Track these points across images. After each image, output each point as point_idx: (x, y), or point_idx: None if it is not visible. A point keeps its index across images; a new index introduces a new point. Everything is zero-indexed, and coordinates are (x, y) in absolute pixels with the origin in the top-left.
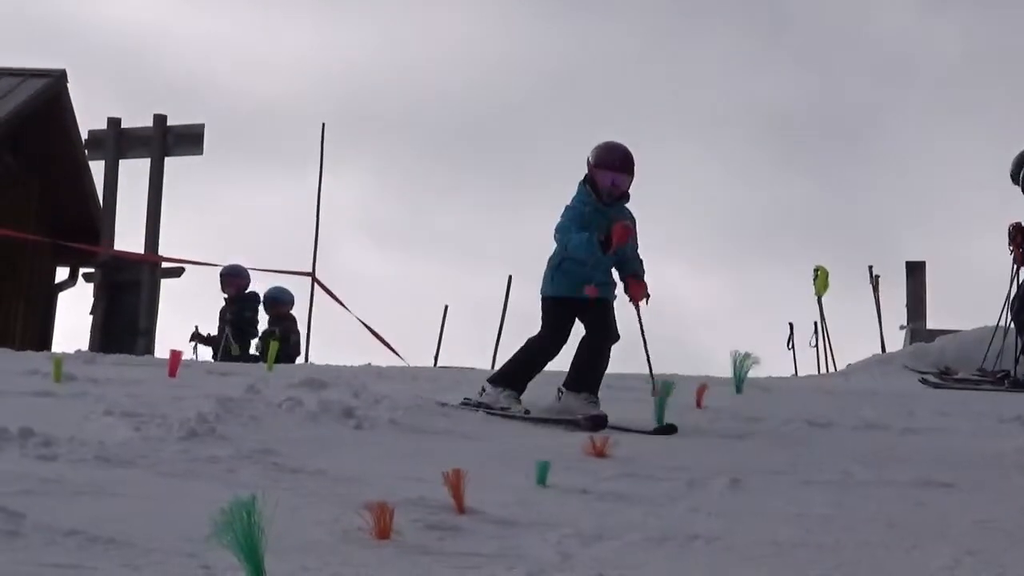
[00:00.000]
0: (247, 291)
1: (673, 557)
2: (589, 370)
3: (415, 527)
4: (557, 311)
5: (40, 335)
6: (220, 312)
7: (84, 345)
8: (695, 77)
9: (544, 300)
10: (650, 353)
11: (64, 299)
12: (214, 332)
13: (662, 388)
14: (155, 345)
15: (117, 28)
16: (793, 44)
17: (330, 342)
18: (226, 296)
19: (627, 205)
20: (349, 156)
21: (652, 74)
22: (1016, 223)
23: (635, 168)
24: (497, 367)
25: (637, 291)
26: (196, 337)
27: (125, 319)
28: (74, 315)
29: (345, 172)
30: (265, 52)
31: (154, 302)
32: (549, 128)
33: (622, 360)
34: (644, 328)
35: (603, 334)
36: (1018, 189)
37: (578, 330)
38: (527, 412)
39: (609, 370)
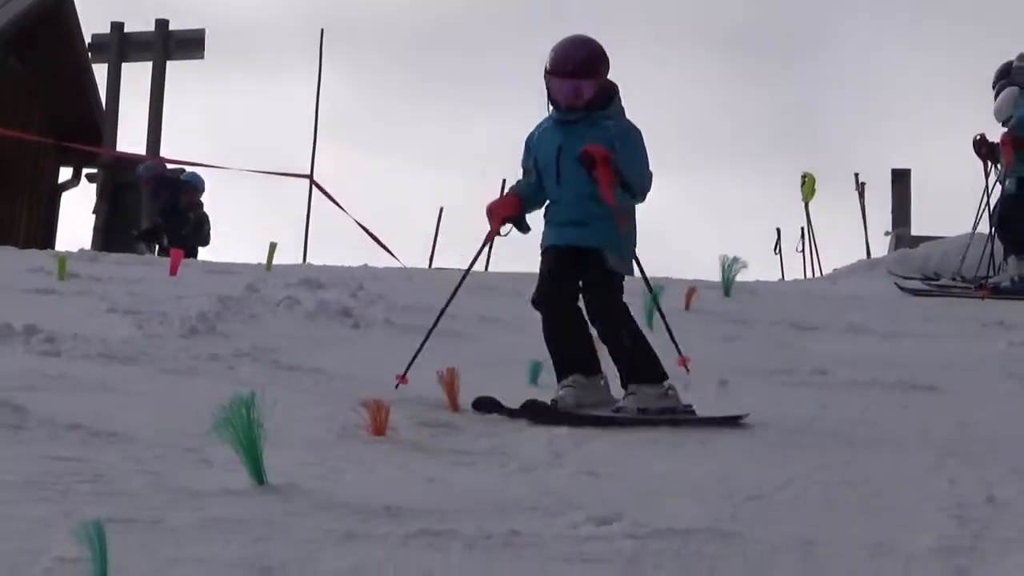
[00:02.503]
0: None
1: (661, 457)
2: (619, 360)
3: (410, 424)
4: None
5: (44, 234)
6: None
7: (87, 244)
8: None
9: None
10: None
11: (67, 199)
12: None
13: (652, 295)
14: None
15: None
16: None
17: (327, 244)
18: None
19: (611, 116)
20: (336, 64)
21: None
22: (980, 135)
23: (602, 67)
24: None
25: (592, 149)
26: (142, 237)
27: (127, 219)
28: (77, 215)
29: (330, 78)
30: None
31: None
32: (531, 28)
33: None
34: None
35: (601, 315)
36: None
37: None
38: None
39: None
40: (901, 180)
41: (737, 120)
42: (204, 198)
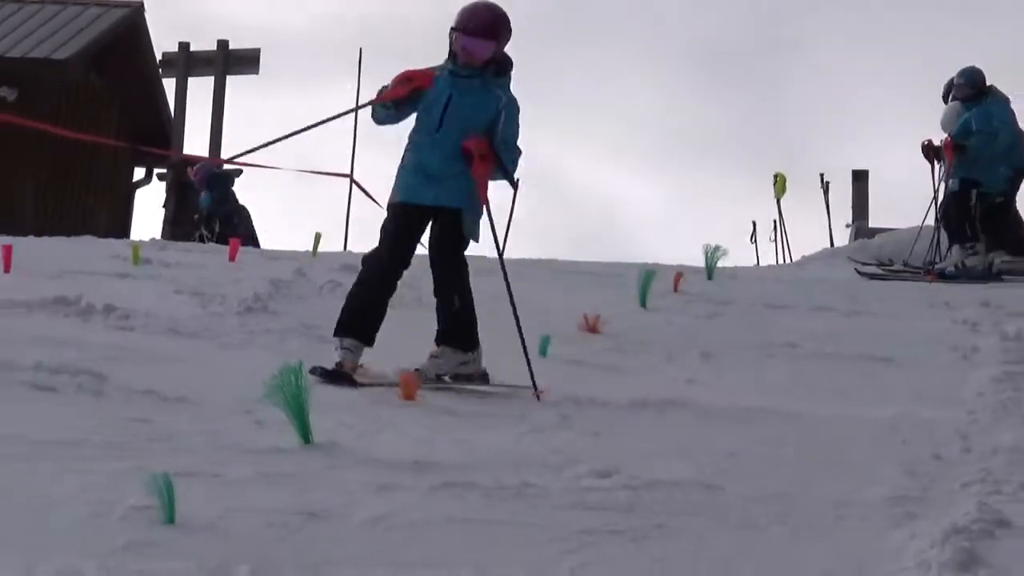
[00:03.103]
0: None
1: (654, 418)
2: (449, 316)
3: (436, 391)
4: (391, 219)
5: (120, 225)
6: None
7: (157, 234)
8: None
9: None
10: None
11: (141, 195)
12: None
13: (644, 276)
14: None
15: None
16: None
17: (365, 233)
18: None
19: (503, 85)
20: (370, 78)
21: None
22: (927, 141)
23: (501, 33)
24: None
25: (476, 167)
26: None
27: (192, 212)
28: (149, 209)
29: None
30: None
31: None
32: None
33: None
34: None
35: (445, 264)
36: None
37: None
38: (358, 367)
39: (598, 259)
40: (860, 179)
41: (716, 126)
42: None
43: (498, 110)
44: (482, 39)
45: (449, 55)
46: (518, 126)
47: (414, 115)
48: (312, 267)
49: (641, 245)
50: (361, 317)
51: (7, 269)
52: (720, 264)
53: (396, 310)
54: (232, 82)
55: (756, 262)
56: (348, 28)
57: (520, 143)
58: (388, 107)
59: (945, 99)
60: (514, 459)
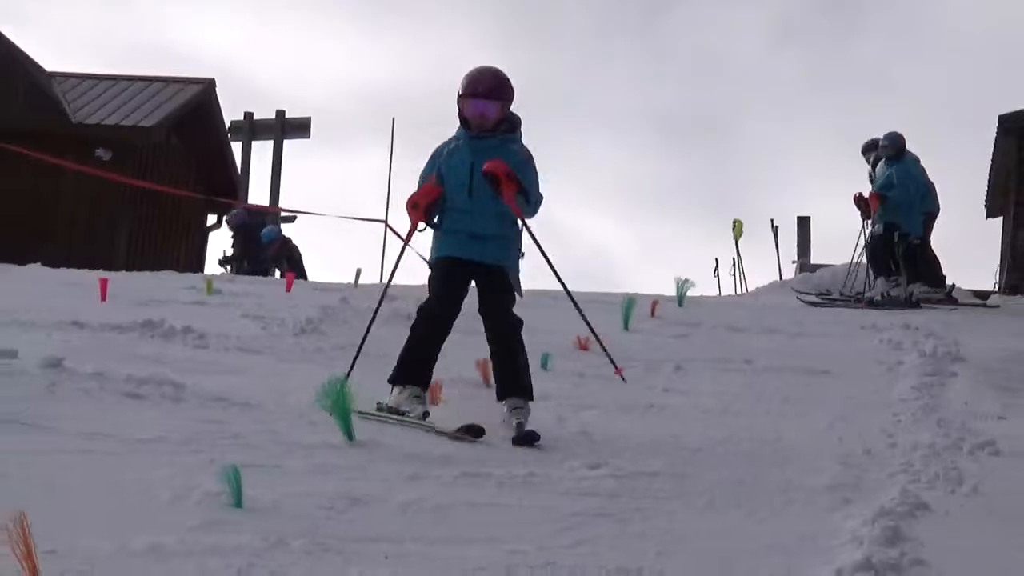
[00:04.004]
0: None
1: (635, 420)
2: (506, 371)
3: (456, 396)
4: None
5: (196, 262)
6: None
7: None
8: (612, 86)
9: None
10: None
11: (212, 237)
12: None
13: (626, 303)
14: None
15: (250, 49)
16: (678, 65)
17: (401, 269)
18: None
19: (517, 140)
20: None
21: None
22: (858, 193)
23: (507, 93)
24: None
25: (493, 166)
26: (224, 261)
27: (252, 251)
28: (219, 248)
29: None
30: (346, 68)
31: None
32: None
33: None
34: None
35: (498, 321)
36: (865, 161)
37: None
38: (426, 414)
39: (587, 289)
40: (803, 224)
41: (679, 179)
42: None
43: (516, 165)
44: (491, 100)
45: (461, 123)
46: (536, 173)
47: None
48: (354, 296)
49: (624, 278)
50: (421, 366)
51: (104, 298)
52: (689, 293)
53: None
54: (288, 145)
55: (718, 292)
56: (383, 100)
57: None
58: (422, 229)
59: (864, 153)
60: (521, 453)
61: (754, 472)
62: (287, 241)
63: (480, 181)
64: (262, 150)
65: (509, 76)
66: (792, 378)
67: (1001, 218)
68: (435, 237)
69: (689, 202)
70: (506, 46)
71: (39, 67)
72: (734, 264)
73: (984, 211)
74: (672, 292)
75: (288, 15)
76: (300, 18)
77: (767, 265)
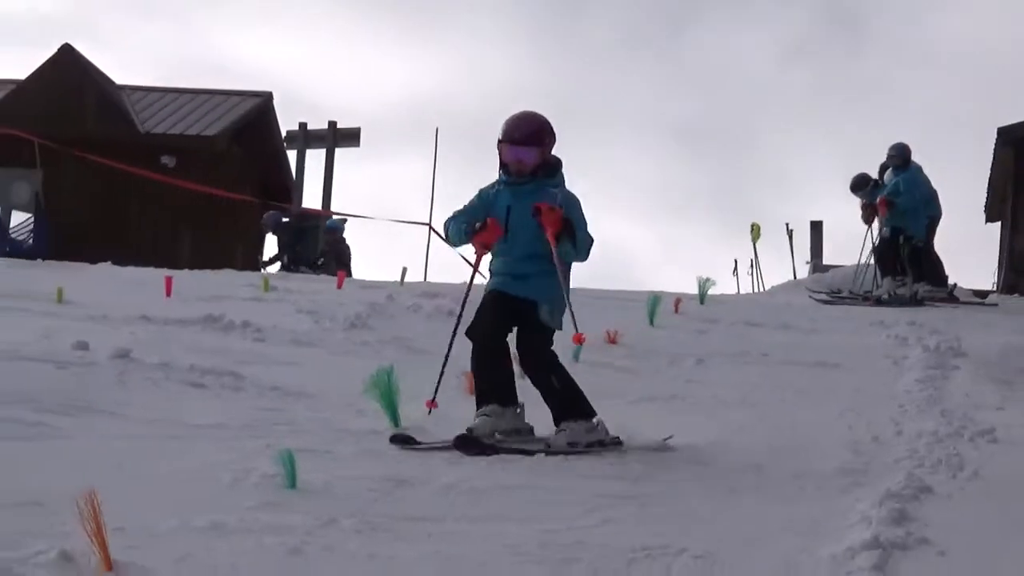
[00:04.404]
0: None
1: (659, 409)
2: (552, 400)
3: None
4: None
5: (253, 262)
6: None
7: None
8: (636, 98)
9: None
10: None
11: (269, 238)
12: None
13: (652, 300)
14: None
15: (305, 65)
16: (697, 79)
17: (441, 268)
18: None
19: (557, 184)
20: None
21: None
22: (866, 205)
23: (546, 139)
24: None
25: (545, 216)
26: (268, 262)
27: (306, 252)
28: (275, 249)
29: (443, 155)
30: (392, 82)
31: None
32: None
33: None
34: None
35: (533, 363)
36: (855, 196)
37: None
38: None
39: (615, 287)
40: (816, 228)
41: (703, 186)
42: (349, 236)
43: (556, 205)
44: (529, 147)
45: (500, 167)
46: (582, 216)
47: None
48: (400, 294)
49: (644, 277)
50: (490, 385)
51: (168, 295)
52: (709, 292)
53: (462, 326)
54: (339, 153)
55: (737, 291)
56: (428, 111)
57: (590, 231)
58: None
59: (853, 190)
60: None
61: (770, 458)
62: (342, 240)
63: (516, 227)
64: (315, 158)
65: (549, 120)
66: (805, 371)
67: (999, 223)
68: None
69: (708, 207)
70: (541, 61)
71: (110, 80)
72: (752, 265)
73: (984, 216)
74: (694, 290)
75: (339, 34)
76: (350, 37)
77: (782, 266)
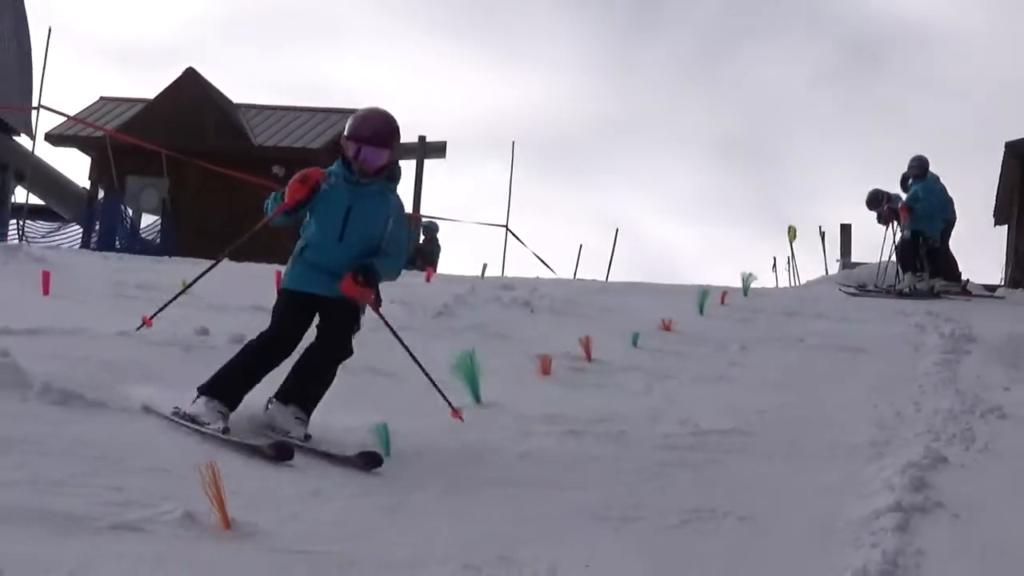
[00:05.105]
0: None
1: (709, 389)
2: (307, 382)
3: (563, 368)
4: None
5: None
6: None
7: None
8: (684, 113)
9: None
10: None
11: None
12: None
13: (701, 293)
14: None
15: (398, 84)
16: (738, 98)
17: (517, 264)
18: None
19: (395, 192)
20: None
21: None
22: (888, 206)
23: (395, 142)
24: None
25: (348, 288)
26: None
27: None
28: None
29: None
30: (474, 100)
31: (415, 242)
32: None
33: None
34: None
35: (330, 343)
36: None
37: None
38: (226, 430)
39: (668, 282)
40: (845, 230)
41: (744, 192)
42: (441, 236)
43: (387, 212)
44: (379, 148)
45: (343, 161)
46: (405, 228)
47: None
48: (481, 287)
49: (700, 272)
50: (237, 389)
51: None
52: (752, 285)
53: (536, 315)
54: (427, 164)
55: (776, 284)
56: (506, 126)
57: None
58: (289, 214)
59: (868, 205)
60: (614, 414)
61: (805, 431)
62: (435, 239)
63: (352, 224)
64: (406, 168)
65: (397, 121)
66: (836, 355)
67: (1006, 226)
68: (290, 264)
69: (750, 211)
70: (606, 85)
71: (228, 100)
72: (789, 262)
73: (992, 220)
74: (738, 284)
75: (429, 59)
76: (438, 61)
77: (815, 262)
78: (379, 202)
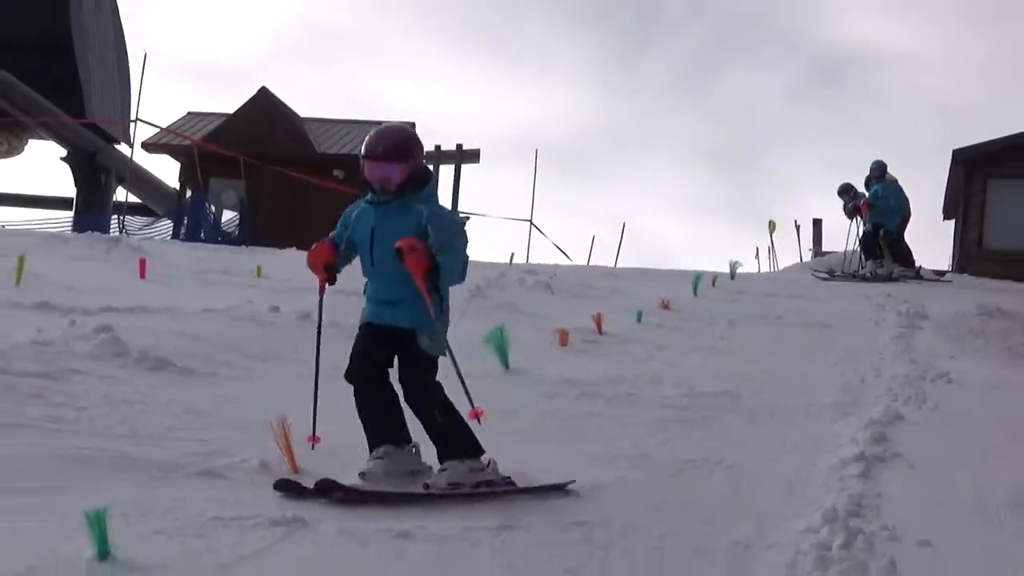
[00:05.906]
0: None
1: (702, 357)
2: (436, 439)
3: (578, 340)
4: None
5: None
6: None
7: None
8: (677, 123)
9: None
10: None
11: None
12: None
13: (695, 277)
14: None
15: (439, 99)
16: (723, 110)
17: (540, 252)
18: None
19: (425, 199)
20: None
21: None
22: (852, 203)
23: (411, 152)
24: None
25: (408, 260)
26: None
27: None
28: None
29: (542, 169)
30: (501, 111)
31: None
32: (610, 162)
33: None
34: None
35: (413, 395)
36: (840, 198)
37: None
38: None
39: (666, 267)
40: (817, 224)
41: (734, 192)
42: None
43: (421, 224)
44: (391, 163)
45: (365, 183)
46: (451, 232)
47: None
48: (509, 271)
49: (694, 258)
50: (378, 427)
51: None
52: (738, 271)
53: (555, 295)
54: (464, 168)
55: (758, 270)
56: (530, 136)
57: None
58: (331, 283)
59: (840, 195)
60: (622, 378)
61: (783, 394)
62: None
63: (379, 249)
64: (445, 172)
65: (414, 133)
66: (809, 330)
67: (953, 220)
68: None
69: (735, 208)
70: (610, 97)
71: (295, 113)
72: (769, 251)
73: (942, 215)
74: (726, 270)
75: (465, 76)
76: (473, 78)
77: (792, 252)
78: (402, 217)
